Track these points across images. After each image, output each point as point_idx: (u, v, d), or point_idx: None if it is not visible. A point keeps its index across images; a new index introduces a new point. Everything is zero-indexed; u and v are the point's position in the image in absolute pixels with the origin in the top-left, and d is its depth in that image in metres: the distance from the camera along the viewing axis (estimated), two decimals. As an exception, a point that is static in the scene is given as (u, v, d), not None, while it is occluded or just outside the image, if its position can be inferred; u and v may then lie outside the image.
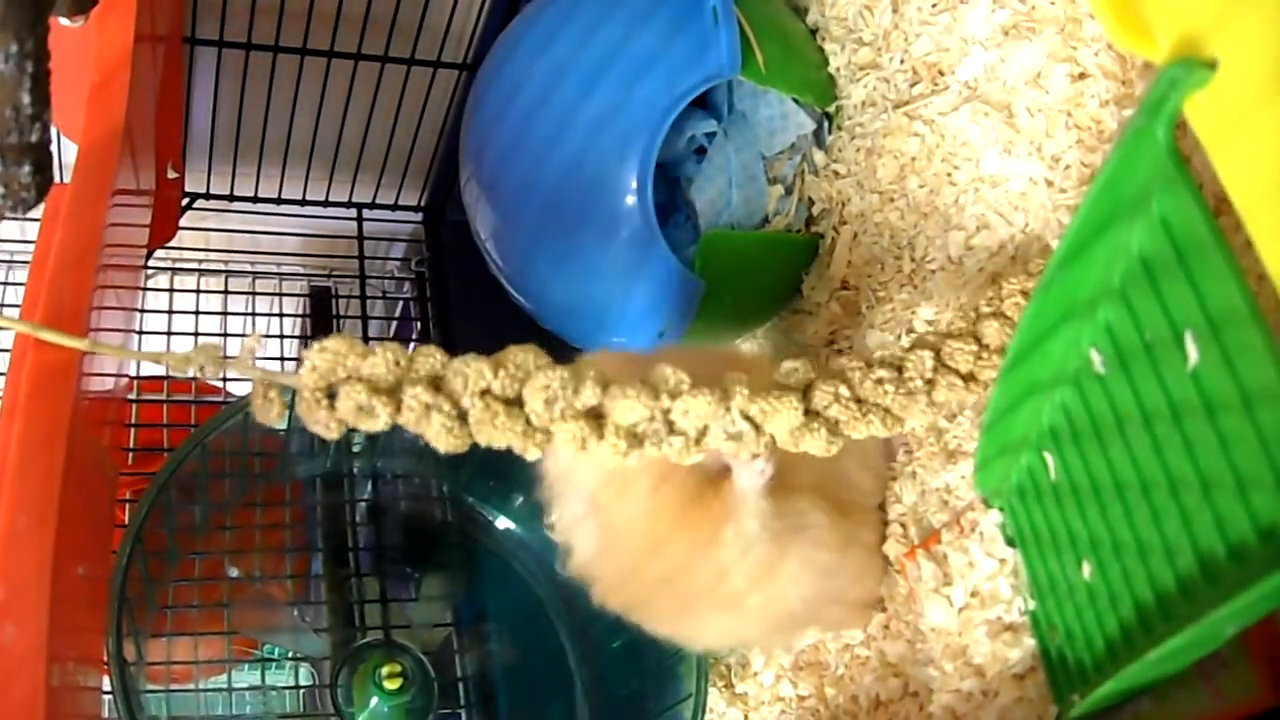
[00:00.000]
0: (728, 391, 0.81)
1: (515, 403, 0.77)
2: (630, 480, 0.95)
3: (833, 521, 1.04)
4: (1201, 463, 0.64)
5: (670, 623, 1.08)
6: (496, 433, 0.76)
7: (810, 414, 0.84)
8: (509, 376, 0.76)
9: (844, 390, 0.85)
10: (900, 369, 0.87)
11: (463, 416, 0.76)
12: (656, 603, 1.05)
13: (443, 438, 0.76)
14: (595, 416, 0.79)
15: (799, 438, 0.84)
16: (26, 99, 0.75)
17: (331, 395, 0.75)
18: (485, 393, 0.76)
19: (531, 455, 0.79)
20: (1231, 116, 0.53)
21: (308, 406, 0.74)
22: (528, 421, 0.77)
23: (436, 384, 0.76)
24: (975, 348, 0.89)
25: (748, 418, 0.81)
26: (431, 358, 0.76)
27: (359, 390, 0.73)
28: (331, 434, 0.75)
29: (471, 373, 0.75)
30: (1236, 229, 0.65)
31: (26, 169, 0.77)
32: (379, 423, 0.74)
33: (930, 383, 0.87)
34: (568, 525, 1.02)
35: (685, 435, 0.80)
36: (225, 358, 0.74)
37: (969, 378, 0.89)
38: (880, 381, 0.86)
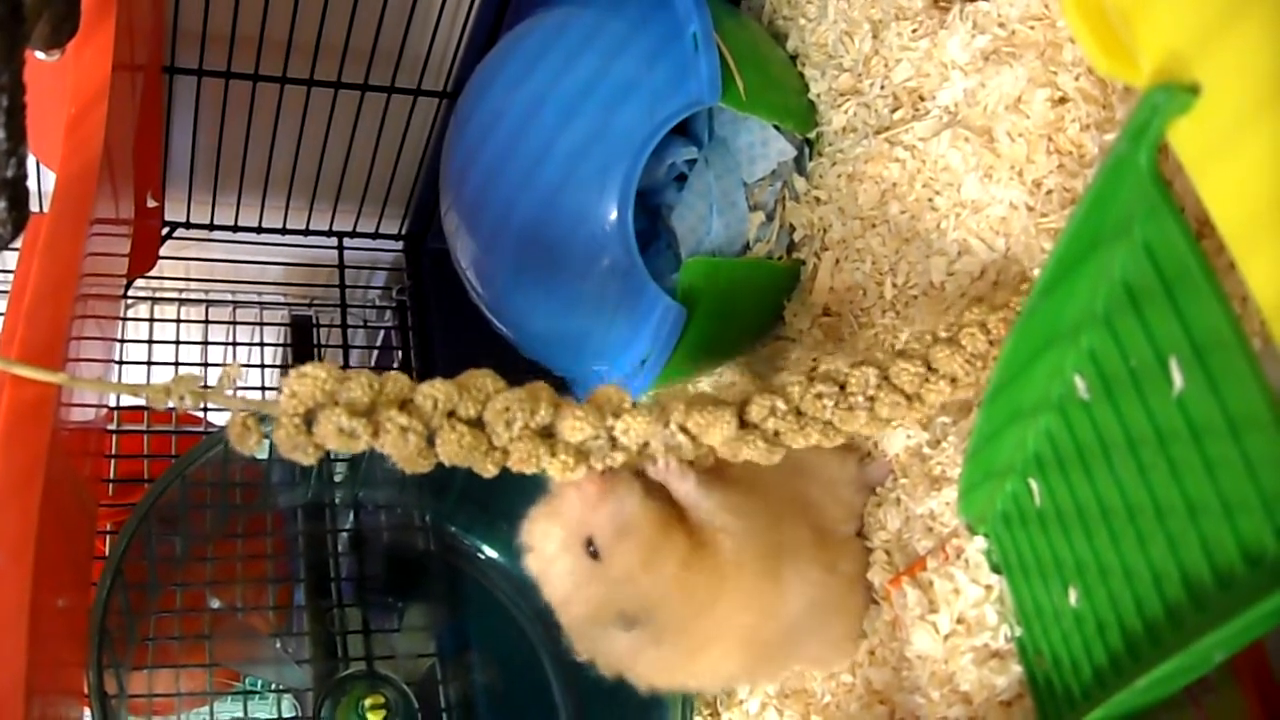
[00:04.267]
0: (665, 408, 0.85)
1: (477, 423, 0.81)
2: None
3: (816, 544, 1.05)
4: (1187, 488, 0.64)
5: (681, 669, 1.06)
6: (461, 452, 0.79)
7: (747, 426, 0.88)
8: (471, 399, 0.80)
9: (781, 404, 0.88)
10: (843, 385, 0.90)
11: (431, 438, 0.79)
12: (671, 652, 1.04)
13: (414, 458, 0.79)
14: (547, 435, 0.83)
15: (736, 449, 0.88)
16: (1, 134, 0.75)
17: (309, 422, 0.75)
18: (451, 414, 0.79)
19: (489, 474, 0.82)
20: (1215, 141, 0.53)
21: (287, 433, 0.75)
22: (489, 441, 0.81)
23: (406, 407, 0.78)
24: (923, 370, 0.91)
25: (685, 431, 0.85)
26: (400, 381, 0.79)
27: (338, 414, 0.75)
28: (310, 459, 0.77)
29: (440, 395, 0.78)
30: (1219, 252, 0.65)
31: (2, 205, 0.76)
32: (358, 444, 0.77)
33: (872, 399, 0.90)
34: (545, 565, 1.00)
35: (627, 450, 0.85)
36: (204, 388, 0.74)
37: (913, 398, 0.91)
38: (820, 396, 0.89)
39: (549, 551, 0.98)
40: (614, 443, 0.84)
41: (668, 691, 1.13)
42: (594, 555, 0.95)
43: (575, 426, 0.81)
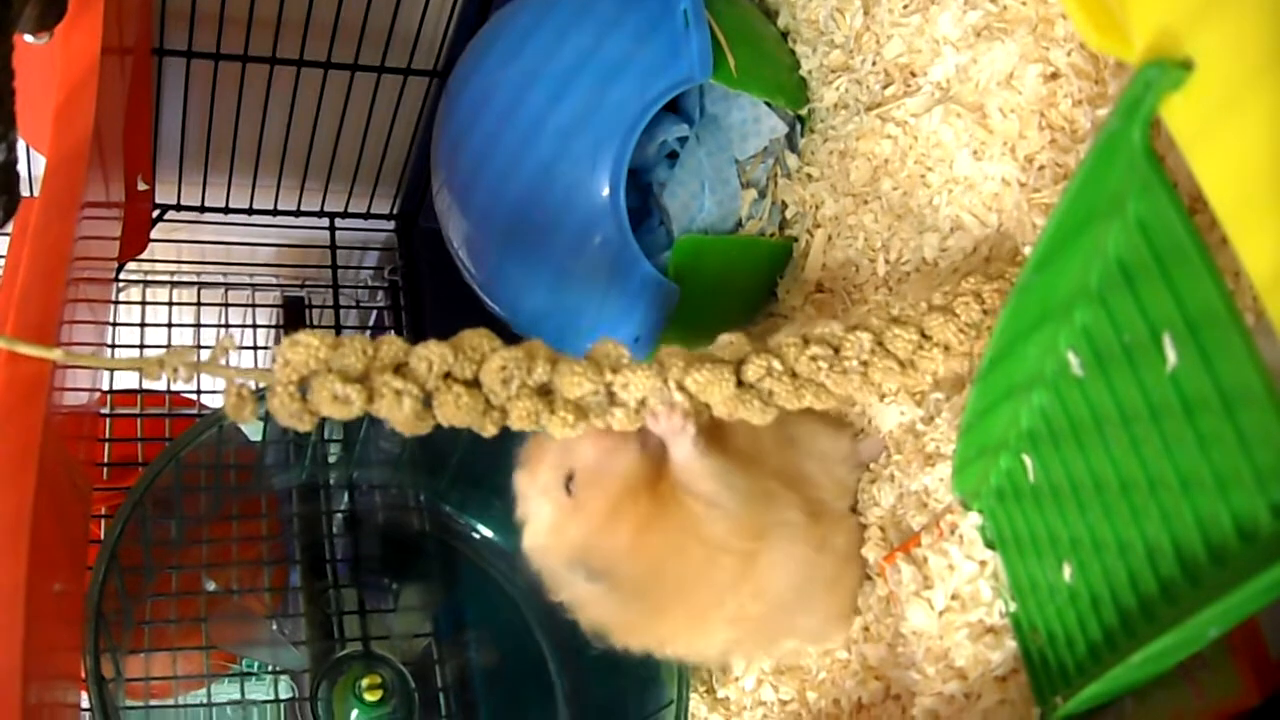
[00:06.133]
0: (664, 365, 0.86)
1: (474, 384, 0.81)
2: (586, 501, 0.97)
3: (807, 520, 1.05)
4: (1181, 464, 0.64)
5: (646, 632, 1.07)
6: (459, 413, 0.79)
7: (744, 386, 0.88)
8: (467, 359, 0.80)
9: (777, 365, 0.88)
10: (838, 349, 0.91)
11: (428, 400, 0.79)
12: (635, 614, 1.04)
13: (411, 422, 0.79)
14: (545, 393, 0.83)
15: (733, 407, 0.88)
16: (-9, 120, 0.74)
17: (303, 390, 0.77)
18: (447, 375, 0.80)
19: (489, 433, 0.82)
20: (1207, 117, 0.53)
21: (282, 401, 0.75)
22: (487, 401, 0.81)
23: (401, 371, 0.79)
24: (917, 338, 0.91)
25: (683, 389, 0.86)
26: (395, 345, 0.79)
27: (332, 380, 0.75)
28: (306, 427, 0.77)
29: (435, 357, 0.79)
30: (1212, 227, 0.65)
31: (-8, 190, 0.76)
32: (353, 410, 0.77)
33: (866, 364, 0.91)
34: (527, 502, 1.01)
35: (626, 406, 0.85)
36: (198, 361, 0.74)
37: (907, 364, 0.92)
38: (815, 359, 0.89)
39: (533, 488, 0.99)
40: (613, 398, 0.85)
41: (646, 654, 1.13)
42: (570, 492, 0.97)
43: (574, 382, 0.82)
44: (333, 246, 1.88)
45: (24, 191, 0.84)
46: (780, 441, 1.08)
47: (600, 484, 0.96)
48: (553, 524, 0.98)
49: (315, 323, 1.97)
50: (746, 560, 1.01)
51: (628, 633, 1.06)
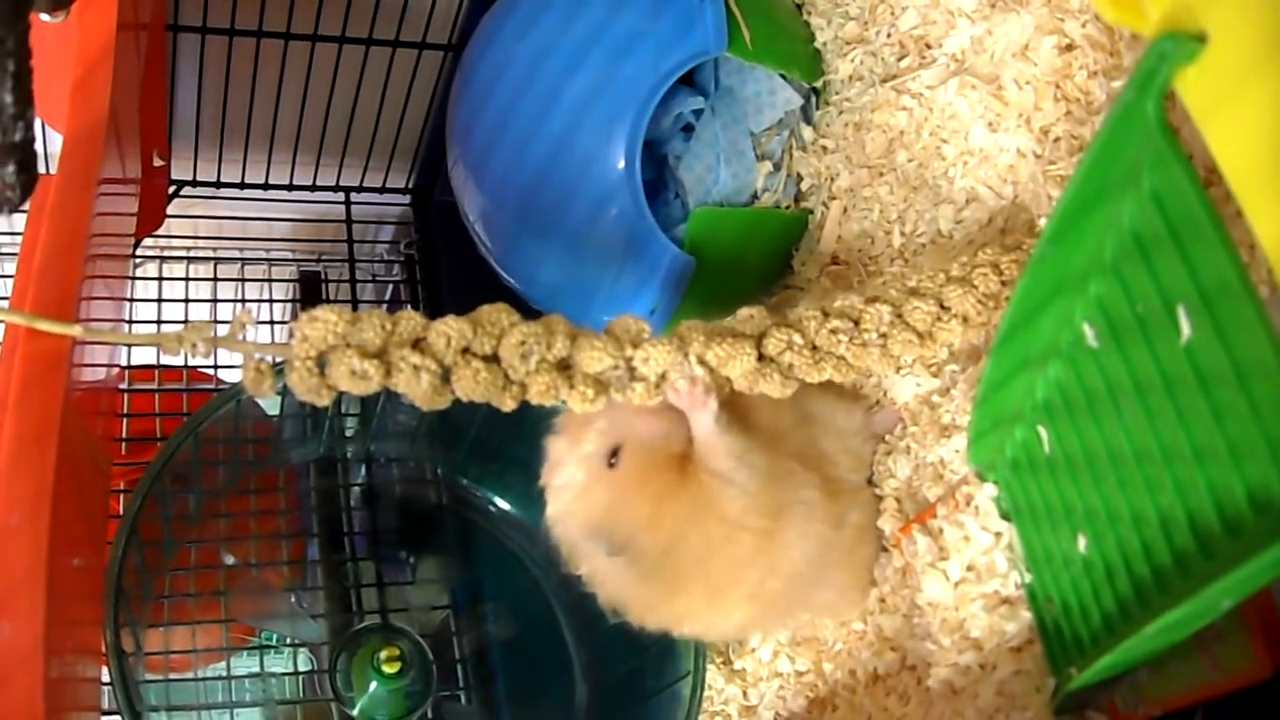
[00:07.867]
0: (685, 339, 0.86)
1: (493, 359, 0.81)
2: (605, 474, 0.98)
3: (824, 498, 1.05)
4: (1195, 435, 0.65)
5: (664, 609, 1.08)
6: (478, 388, 0.80)
7: (764, 359, 0.89)
8: (485, 334, 0.80)
9: (797, 338, 0.89)
10: (857, 321, 0.91)
11: (446, 375, 0.79)
12: (654, 590, 1.05)
13: (429, 397, 0.79)
14: (565, 368, 0.83)
15: (753, 381, 0.89)
16: (8, 98, 0.74)
17: (322, 365, 0.77)
18: (466, 350, 0.80)
19: (508, 408, 0.82)
20: (1222, 90, 0.53)
21: (300, 375, 0.76)
22: (506, 376, 0.81)
23: (420, 346, 0.79)
24: (936, 309, 0.92)
25: (703, 363, 0.86)
26: (413, 320, 0.79)
27: (350, 356, 0.75)
28: (323, 401, 0.78)
29: (453, 332, 0.79)
30: (1227, 199, 0.65)
31: (10, 168, 0.76)
32: (371, 385, 0.77)
33: (885, 337, 0.91)
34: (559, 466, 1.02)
35: (646, 381, 0.85)
36: (216, 336, 0.74)
37: (926, 336, 0.92)
38: (835, 331, 0.90)
39: (571, 455, 0.99)
40: (633, 373, 0.85)
41: (665, 633, 1.13)
42: (612, 465, 0.97)
43: (594, 357, 0.82)
44: (348, 221, 1.88)
45: (41, 169, 0.84)
46: (798, 419, 1.08)
47: (645, 460, 0.97)
48: (582, 491, 0.99)
49: (331, 297, 1.97)
50: (764, 538, 1.01)
51: (645, 609, 1.07)
